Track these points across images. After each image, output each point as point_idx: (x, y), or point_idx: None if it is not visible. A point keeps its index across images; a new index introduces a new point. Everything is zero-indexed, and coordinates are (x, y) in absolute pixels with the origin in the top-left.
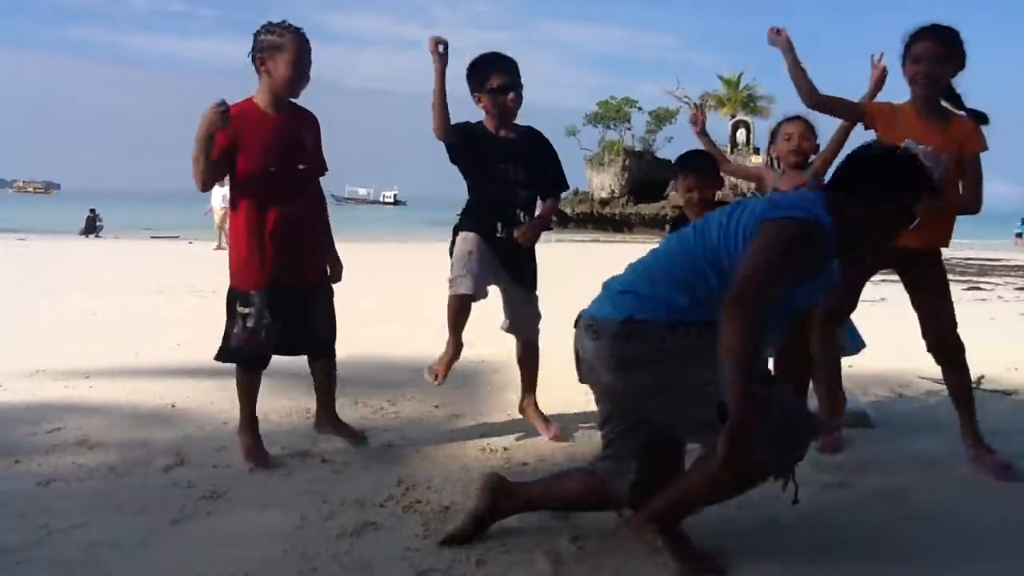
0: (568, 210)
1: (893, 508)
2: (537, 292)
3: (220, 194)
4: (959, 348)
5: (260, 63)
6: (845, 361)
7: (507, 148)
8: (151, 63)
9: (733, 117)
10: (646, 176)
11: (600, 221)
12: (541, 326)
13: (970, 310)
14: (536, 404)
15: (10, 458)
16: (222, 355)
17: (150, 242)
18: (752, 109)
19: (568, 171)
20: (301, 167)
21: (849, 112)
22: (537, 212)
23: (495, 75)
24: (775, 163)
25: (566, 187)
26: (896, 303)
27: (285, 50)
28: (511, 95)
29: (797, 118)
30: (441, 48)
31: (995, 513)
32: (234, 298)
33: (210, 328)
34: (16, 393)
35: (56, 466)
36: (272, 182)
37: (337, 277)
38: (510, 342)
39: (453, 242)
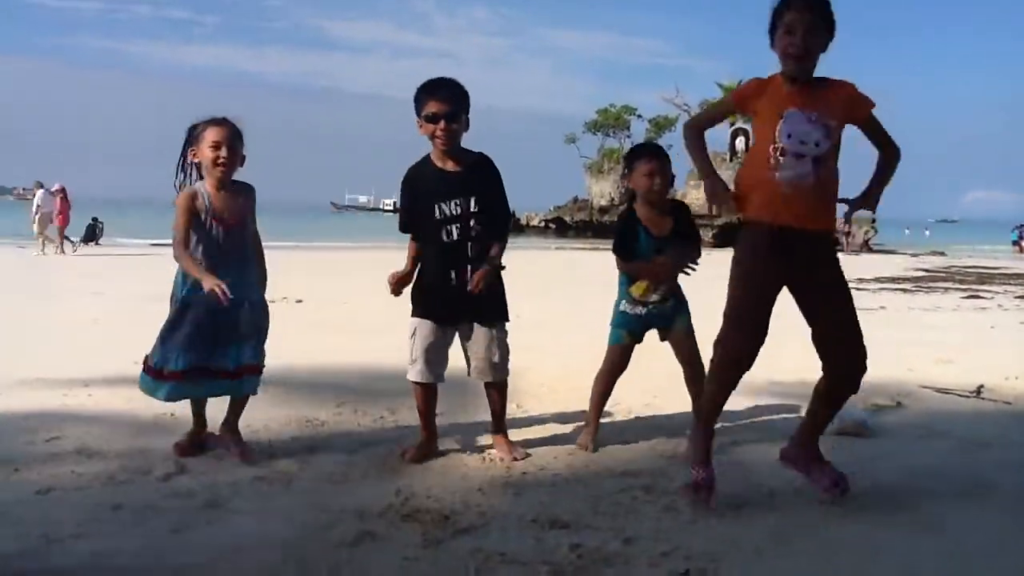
0: (567, 218)
1: (890, 518)
2: (507, 323)
3: (40, 197)
4: (863, 372)
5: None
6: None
7: (454, 183)
8: (154, 70)
9: (732, 125)
10: None
11: (599, 229)
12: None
13: (970, 319)
14: (506, 433)
15: (9, 467)
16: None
17: (150, 249)
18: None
19: (567, 179)
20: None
21: (722, 113)
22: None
23: (430, 101)
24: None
25: (508, 228)
26: (894, 310)
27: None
28: (441, 124)
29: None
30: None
31: (994, 526)
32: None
33: None
34: (15, 401)
35: (55, 475)
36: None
37: None
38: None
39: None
